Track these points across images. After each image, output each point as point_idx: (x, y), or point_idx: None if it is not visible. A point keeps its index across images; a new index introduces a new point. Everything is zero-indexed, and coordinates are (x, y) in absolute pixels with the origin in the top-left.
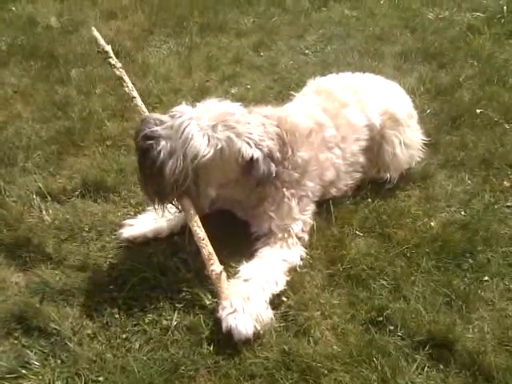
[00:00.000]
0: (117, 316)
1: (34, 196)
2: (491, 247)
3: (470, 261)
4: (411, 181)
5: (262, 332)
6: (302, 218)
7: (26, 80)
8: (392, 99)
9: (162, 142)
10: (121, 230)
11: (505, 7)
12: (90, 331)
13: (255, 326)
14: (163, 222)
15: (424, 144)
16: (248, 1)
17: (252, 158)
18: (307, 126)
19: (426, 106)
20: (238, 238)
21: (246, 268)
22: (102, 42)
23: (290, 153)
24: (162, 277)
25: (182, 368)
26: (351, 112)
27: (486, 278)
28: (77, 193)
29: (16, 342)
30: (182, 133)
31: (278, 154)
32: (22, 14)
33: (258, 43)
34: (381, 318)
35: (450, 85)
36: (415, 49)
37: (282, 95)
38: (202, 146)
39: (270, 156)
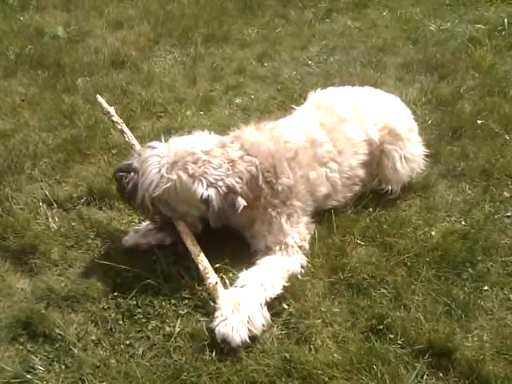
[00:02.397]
0: (121, 322)
1: (41, 203)
2: (491, 257)
3: (470, 270)
4: (412, 190)
5: (258, 334)
6: (295, 230)
7: (34, 89)
8: (391, 114)
9: (131, 175)
10: (125, 238)
11: (506, 20)
12: (94, 337)
13: (249, 330)
14: None
15: (425, 155)
16: (252, 12)
17: (204, 196)
18: (292, 148)
19: (427, 116)
20: (241, 248)
21: (243, 275)
22: (105, 105)
23: (265, 189)
24: (165, 284)
25: (185, 374)
26: (350, 127)
27: (486, 287)
28: (82, 200)
29: (21, 347)
30: (143, 167)
31: (244, 190)
32: (29, 24)
33: (261, 54)
34: (381, 327)
35: (451, 96)
36: (417, 60)
37: (285, 105)
38: (153, 183)
39: (232, 191)
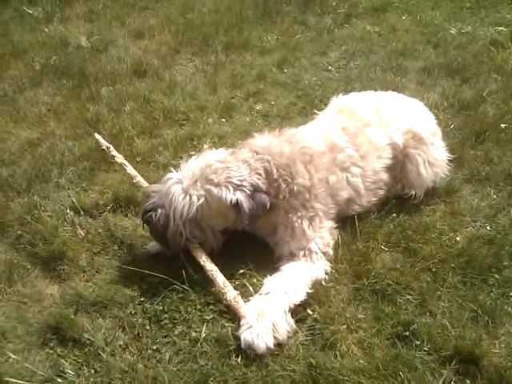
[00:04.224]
0: (148, 327)
1: (68, 211)
2: None
3: (496, 276)
4: (436, 195)
5: (283, 341)
6: (318, 235)
7: (59, 98)
8: (415, 118)
9: (159, 211)
10: (151, 244)
11: None
12: (122, 342)
13: (274, 337)
14: None
15: (448, 159)
16: (271, 19)
17: (233, 201)
18: (308, 152)
19: (450, 121)
20: (265, 253)
21: (267, 282)
22: (102, 141)
23: (283, 186)
24: (190, 289)
25: (211, 379)
26: (373, 131)
27: None
28: (108, 207)
29: (51, 351)
30: (169, 198)
31: (267, 186)
32: (54, 35)
33: (281, 60)
34: (407, 333)
35: (473, 99)
36: (438, 64)
37: (305, 111)
38: (185, 207)
39: (257, 189)
